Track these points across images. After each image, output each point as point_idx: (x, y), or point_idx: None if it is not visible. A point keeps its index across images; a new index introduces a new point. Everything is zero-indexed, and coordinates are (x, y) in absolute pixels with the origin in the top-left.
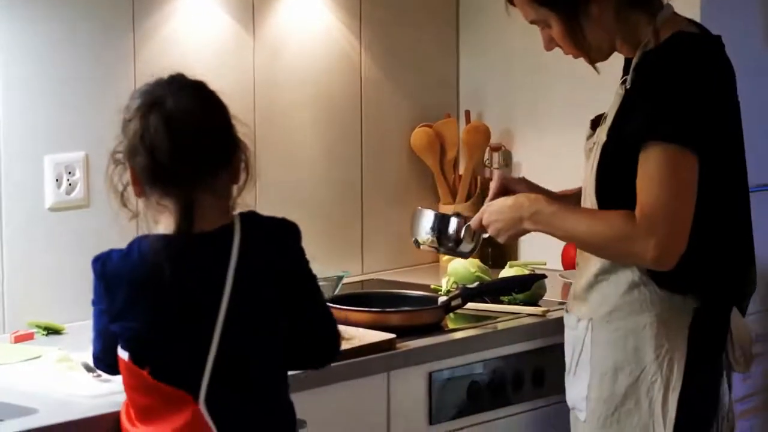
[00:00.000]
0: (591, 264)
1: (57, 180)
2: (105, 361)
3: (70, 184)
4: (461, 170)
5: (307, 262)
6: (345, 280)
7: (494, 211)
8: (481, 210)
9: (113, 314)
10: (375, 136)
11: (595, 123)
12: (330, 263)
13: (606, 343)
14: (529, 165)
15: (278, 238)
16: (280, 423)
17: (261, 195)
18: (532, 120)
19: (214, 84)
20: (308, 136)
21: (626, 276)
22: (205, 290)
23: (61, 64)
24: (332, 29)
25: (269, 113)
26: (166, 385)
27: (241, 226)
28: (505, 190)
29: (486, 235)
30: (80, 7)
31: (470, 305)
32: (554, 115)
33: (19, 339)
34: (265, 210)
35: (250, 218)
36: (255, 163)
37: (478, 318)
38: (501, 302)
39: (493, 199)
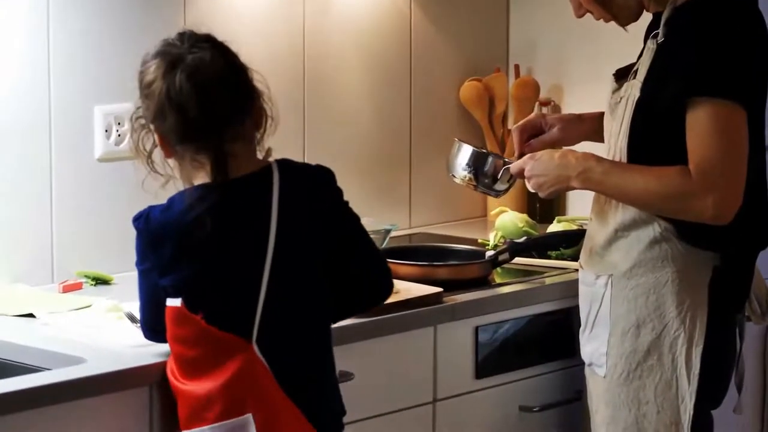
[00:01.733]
0: (610, 219)
1: (106, 131)
2: (156, 328)
3: (119, 135)
4: (510, 125)
5: (347, 203)
6: (393, 234)
7: (539, 165)
8: (523, 159)
9: (162, 268)
10: (424, 90)
11: (620, 76)
12: (378, 216)
13: (627, 299)
14: None
15: (316, 181)
16: (327, 366)
17: (309, 150)
18: (581, 75)
19: (264, 38)
20: (357, 90)
21: (647, 231)
22: (250, 233)
23: (111, 15)
24: None
25: (318, 67)
26: (218, 330)
27: (279, 171)
28: (539, 127)
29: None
30: None
31: (517, 260)
32: (604, 70)
33: (68, 288)
34: (314, 161)
35: (286, 164)
36: (273, 108)
37: (525, 273)
38: (548, 257)
39: (527, 132)
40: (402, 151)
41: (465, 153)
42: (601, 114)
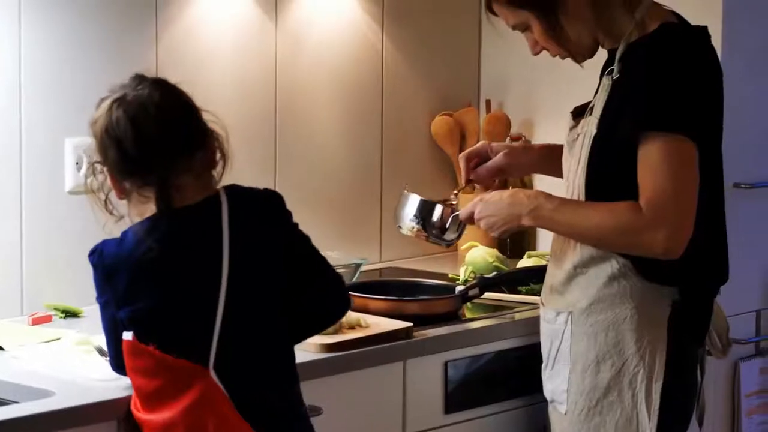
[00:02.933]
0: (568, 256)
1: (77, 163)
2: (119, 362)
3: None
4: None
5: (296, 225)
6: (363, 268)
7: (489, 206)
8: (471, 203)
9: (118, 300)
10: (395, 124)
11: (577, 113)
12: (349, 250)
13: (586, 336)
14: None
15: (266, 204)
16: (289, 387)
17: (280, 182)
18: (552, 111)
19: (236, 71)
20: (329, 124)
21: (605, 268)
22: (202, 259)
23: (82, 49)
24: (354, 16)
25: (290, 100)
26: (174, 358)
27: (227, 197)
28: (485, 155)
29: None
30: None
31: (487, 295)
32: (574, 105)
33: (37, 321)
34: (284, 195)
35: (234, 189)
36: (229, 148)
37: (495, 308)
38: (518, 292)
39: (473, 160)
40: (373, 185)
41: (412, 203)
42: (550, 145)
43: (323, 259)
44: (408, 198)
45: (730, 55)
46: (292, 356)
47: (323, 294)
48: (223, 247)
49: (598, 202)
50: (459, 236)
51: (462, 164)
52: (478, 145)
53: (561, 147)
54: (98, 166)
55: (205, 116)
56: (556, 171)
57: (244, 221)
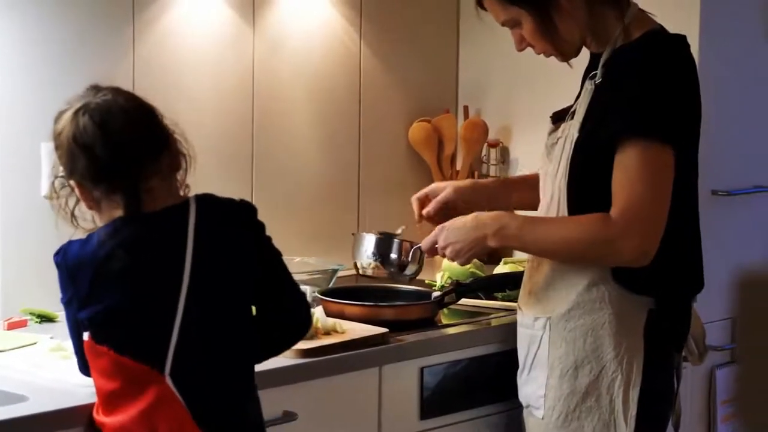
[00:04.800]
0: (547, 261)
1: (53, 167)
2: (84, 362)
3: None
4: (458, 166)
5: (269, 239)
6: (340, 273)
7: (452, 232)
8: (433, 232)
9: (80, 301)
10: (373, 130)
11: (557, 118)
12: (326, 256)
13: (565, 341)
14: (526, 162)
15: (236, 216)
16: (248, 398)
17: (257, 187)
18: (529, 117)
19: (213, 76)
20: (306, 129)
21: (585, 274)
22: (163, 265)
23: (59, 53)
24: (332, 22)
25: (268, 105)
26: (130, 360)
27: (196, 205)
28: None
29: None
30: None
31: (464, 301)
32: (552, 112)
33: (13, 326)
34: (262, 202)
35: (206, 198)
36: (190, 148)
37: (472, 314)
38: (495, 298)
39: (418, 200)
40: (350, 191)
41: (369, 241)
42: (500, 180)
43: (289, 278)
44: (363, 237)
45: (708, 62)
46: (252, 372)
47: (285, 313)
48: (186, 254)
49: (565, 217)
50: (419, 270)
51: (414, 205)
52: (428, 187)
53: (515, 180)
54: (62, 181)
55: (165, 120)
56: (510, 204)
57: (210, 230)
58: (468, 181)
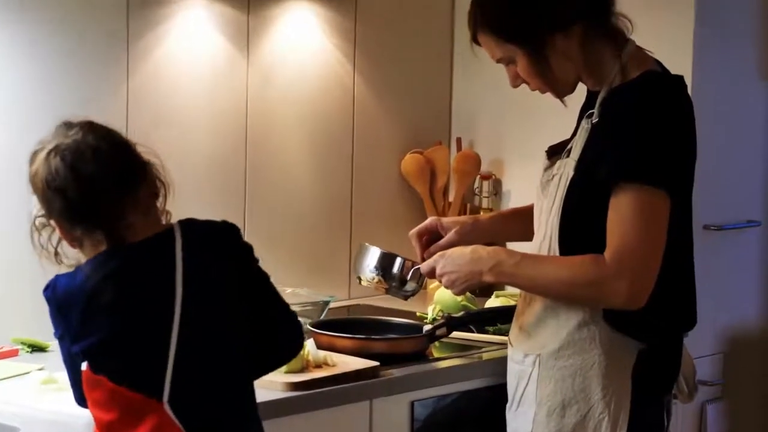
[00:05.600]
0: (538, 298)
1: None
2: (80, 395)
3: None
4: (451, 197)
5: (254, 260)
6: (332, 305)
7: (451, 262)
8: (433, 258)
9: (72, 335)
10: (366, 161)
11: (552, 153)
12: (318, 287)
13: (554, 380)
14: (518, 195)
15: (221, 237)
16: (248, 419)
17: (249, 217)
18: (522, 150)
19: (207, 106)
20: (299, 159)
21: (576, 313)
22: (154, 293)
23: (54, 82)
24: (326, 53)
25: (261, 136)
26: (128, 390)
27: (181, 231)
28: (435, 231)
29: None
30: (75, 27)
31: (455, 334)
32: (544, 145)
33: (4, 355)
34: (254, 232)
35: (189, 223)
36: (167, 175)
37: (463, 347)
38: (486, 332)
39: (424, 236)
40: (343, 222)
41: (372, 255)
42: (500, 215)
43: (278, 297)
44: (368, 250)
45: (700, 99)
46: (252, 393)
47: (276, 333)
48: (176, 281)
49: (559, 256)
50: (417, 290)
51: (414, 242)
52: (427, 221)
53: (511, 213)
54: (42, 220)
55: (139, 148)
56: (510, 237)
57: (198, 255)
58: (468, 220)
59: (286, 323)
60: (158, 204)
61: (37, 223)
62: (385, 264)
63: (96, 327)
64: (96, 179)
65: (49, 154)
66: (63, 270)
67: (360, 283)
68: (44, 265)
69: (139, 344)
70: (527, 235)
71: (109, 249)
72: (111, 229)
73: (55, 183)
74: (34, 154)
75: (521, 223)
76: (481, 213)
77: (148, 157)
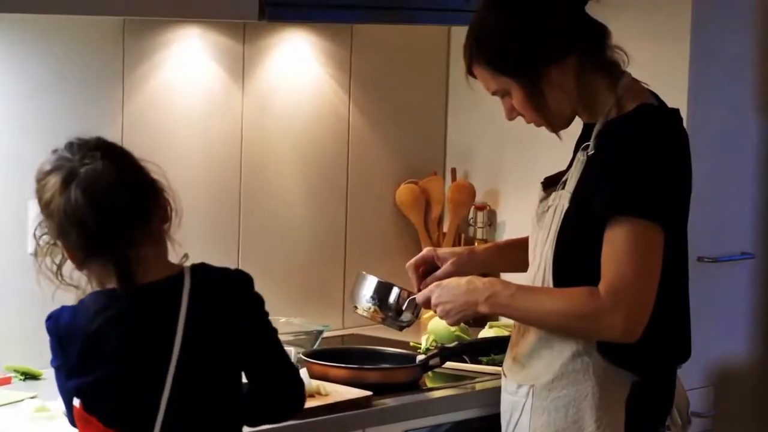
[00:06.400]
0: (532, 329)
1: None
2: (72, 421)
3: None
4: (445, 228)
5: (263, 313)
6: (326, 334)
7: (446, 292)
8: (429, 288)
9: (68, 370)
10: (360, 191)
11: (547, 184)
12: (312, 316)
13: (547, 411)
14: (513, 226)
15: (232, 288)
16: None
17: (243, 246)
18: (517, 181)
19: (202, 135)
20: (294, 189)
21: (569, 344)
22: (153, 341)
23: (48, 111)
24: (321, 83)
25: (256, 165)
26: None
27: (191, 277)
28: (431, 261)
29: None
30: (70, 55)
31: (449, 364)
32: (539, 176)
33: None
34: (248, 261)
35: (201, 269)
36: (176, 198)
37: (456, 378)
38: (479, 362)
39: (421, 267)
40: (337, 252)
41: (369, 284)
42: (495, 246)
43: (284, 354)
44: (365, 279)
45: (695, 131)
46: None
47: (278, 390)
48: (177, 330)
49: (555, 288)
50: (413, 320)
51: (411, 273)
52: (423, 251)
53: (507, 245)
54: (46, 239)
55: (147, 166)
56: (505, 268)
57: (204, 305)
58: (464, 251)
59: (289, 382)
60: (167, 229)
61: (41, 242)
62: (381, 293)
63: (92, 368)
64: (116, 212)
65: (65, 181)
66: (62, 288)
67: (355, 311)
68: (42, 286)
69: (132, 389)
70: (522, 266)
71: (118, 288)
72: (123, 263)
73: (75, 216)
74: (45, 175)
75: (516, 254)
76: (476, 244)
77: (156, 177)
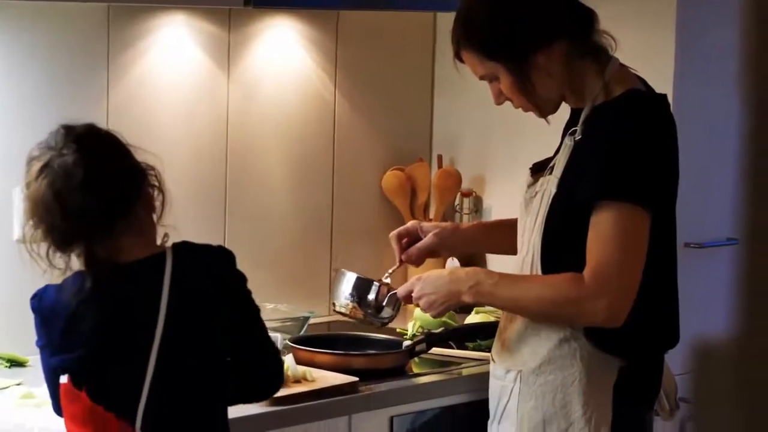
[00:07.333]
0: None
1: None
2: (58, 405)
3: None
4: (431, 214)
5: (246, 291)
6: (312, 321)
7: (428, 284)
8: (410, 281)
9: (53, 348)
10: (346, 178)
11: (536, 170)
12: (298, 303)
13: (534, 396)
14: (500, 212)
15: (214, 265)
16: None
17: (230, 233)
18: (503, 167)
19: (187, 122)
20: (279, 176)
21: (557, 329)
22: (136, 319)
23: (33, 98)
24: (307, 69)
25: (242, 152)
26: (104, 410)
27: (173, 255)
28: (415, 234)
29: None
30: (54, 41)
31: (435, 350)
32: (525, 162)
33: None
34: (234, 247)
35: (183, 247)
36: (163, 184)
37: (442, 363)
38: (466, 348)
39: (404, 238)
40: (323, 238)
41: (348, 280)
42: (481, 225)
43: (265, 332)
44: (344, 275)
45: (679, 116)
46: (225, 423)
47: (255, 368)
48: (160, 308)
49: (539, 275)
50: (394, 316)
51: (394, 243)
52: (408, 224)
53: (494, 225)
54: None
55: (139, 153)
56: (489, 248)
57: (187, 282)
58: (449, 226)
59: (269, 359)
60: (154, 218)
61: (26, 228)
62: (360, 289)
63: (76, 344)
64: (83, 211)
65: (40, 171)
66: (50, 269)
67: (335, 308)
68: (31, 271)
69: (116, 367)
70: (507, 248)
71: (99, 267)
72: (90, 255)
73: (43, 207)
74: (31, 160)
75: (503, 235)
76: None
77: (148, 163)
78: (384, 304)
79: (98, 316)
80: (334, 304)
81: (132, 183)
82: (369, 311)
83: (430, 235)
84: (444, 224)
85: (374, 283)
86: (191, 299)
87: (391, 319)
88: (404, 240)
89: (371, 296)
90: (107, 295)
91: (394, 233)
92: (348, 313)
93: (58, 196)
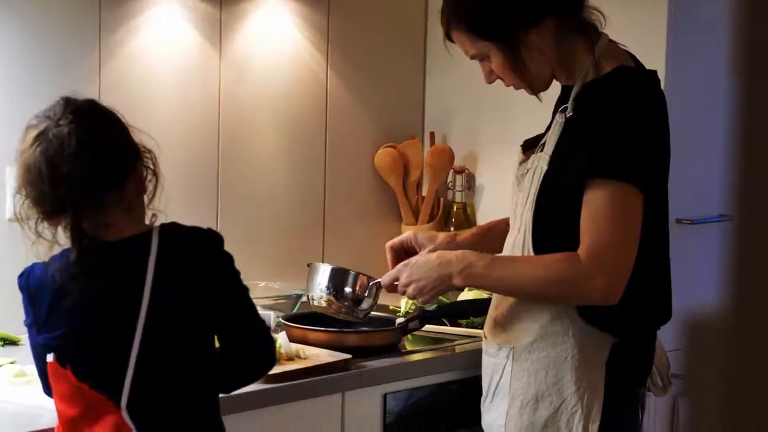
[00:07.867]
0: None
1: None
2: (46, 383)
3: None
4: (424, 192)
5: (233, 272)
6: (304, 299)
7: (417, 269)
8: (396, 268)
9: (39, 325)
10: (339, 156)
11: (527, 147)
12: (290, 281)
13: (527, 373)
14: (492, 189)
15: (200, 246)
16: (210, 430)
17: (222, 210)
18: (496, 144)
19: (179, 99)
20: (272, 153)
21: (549, 306)
22: (121, 297)
23: (24, 76)
24: (299, 47)
25: (234, 130)
26: (89, 389)
27: (159, 235)
28: (409, 246)
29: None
30: (46, 20)
31: (428, 327)
32: (518, 139)
33: None
34: (227, 226)
35: (170, 228)
36: (157, 167)
37: (436, 340)
38: (459, 325)
39: (393, 250)
40: (315, 216)
41: (324, 272)
42: (478, 231)
43: (254, 312)
44: (318, 267)
45: (671, 93)
46: (215, 404)
47: (247, 348)
48: (144, 287)
49: (532, 256)
50: (372, 307)
51: (388, 255)
52: (403, 236)
53: (490, 229)
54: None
55: (137, 135)
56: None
57: (173, 262)
58: (444, 239)
59: (260, 340)
60: (146, 199)
61: (16, 199)
62: (337, 281)
63: (61, 322)
64: (72, 178)
65: (35, 138)
66: (42, 245)
67: (312, 303)
68: (24, 250)
69: (100, 345)
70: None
71: (84, 245)
72: (76, 228)
73: (33, 174)
74: (28, 128)
75: (502, 237)
76: (455, 208)
77: (145, 146)
78: (366, 294)
79: (83, 293)
80: (311, 299)
81: (125, 158)
82: (347, 303)
83: (425, 250)
84: (440, 238)
85: (351, 273)
86: (177, 278)
87: (370, 310)
88: (397, 251)
89: (348, 288)
90: (92, 272)
91: (389, 244)
92: (325, 306)
93: (49, 163)
